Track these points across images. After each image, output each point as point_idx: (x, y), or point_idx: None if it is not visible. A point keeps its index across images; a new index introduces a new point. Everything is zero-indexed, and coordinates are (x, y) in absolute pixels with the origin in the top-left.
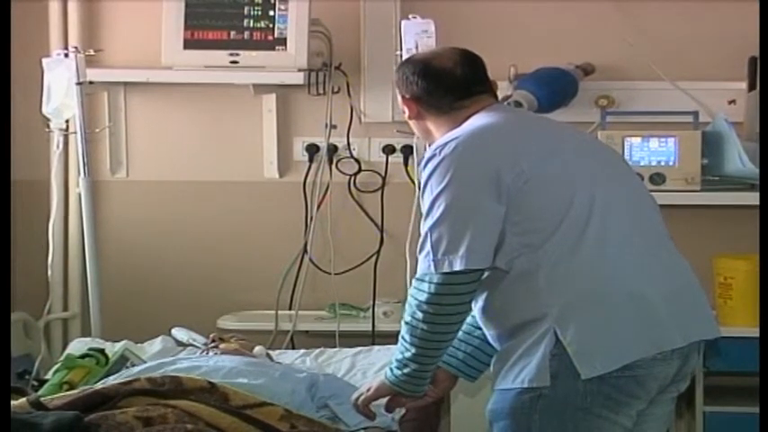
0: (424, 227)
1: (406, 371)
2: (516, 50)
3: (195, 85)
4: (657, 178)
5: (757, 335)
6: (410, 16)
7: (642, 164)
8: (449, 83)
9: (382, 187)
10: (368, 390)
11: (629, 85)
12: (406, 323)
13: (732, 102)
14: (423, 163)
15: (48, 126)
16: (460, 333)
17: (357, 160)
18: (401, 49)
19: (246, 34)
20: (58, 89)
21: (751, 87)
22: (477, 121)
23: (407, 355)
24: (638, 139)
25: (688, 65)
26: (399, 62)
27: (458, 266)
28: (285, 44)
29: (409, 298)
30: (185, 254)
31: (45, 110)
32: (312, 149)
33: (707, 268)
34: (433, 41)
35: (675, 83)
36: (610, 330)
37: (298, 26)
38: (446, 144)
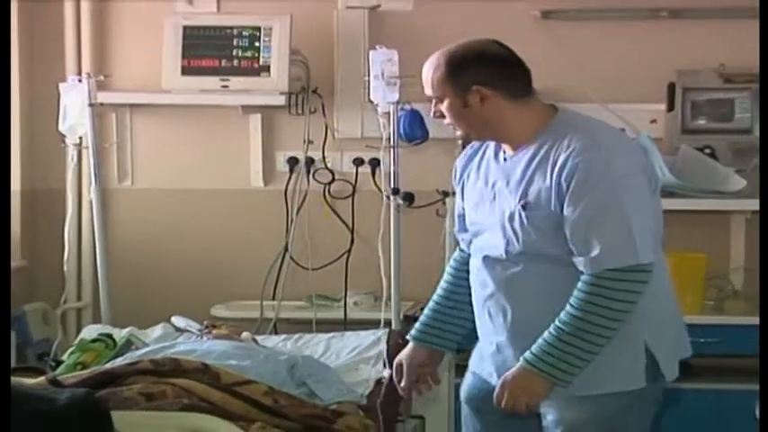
0: (605, 214)
1: (581, 365)
2: None
3: (191, 106)
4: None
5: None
6: (377, 47)
7: None
8: (515, 67)
9: (353, 194)
10: (527, 396)
11: (569, 106)
12: (581, 319)
13: (653, 121)
14: (581, 151)
15: (64, 142)
16: (438, 309)
17: (331, 171)
18: (369, 75)
19: (235, 62)
20: (72, 110)
21: (669, 109)
22: (599, 124)
23: (594, 350)
24: None
25: (616, 90)
26: (447, 55)
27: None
28: (269, 71)
29: (588, 296)
30: (182, 251)
31: (61, 128)
32: (292, 162)
33: None
34: (397, 69)
35: (606, 105)
36: (676, 336)
37: (280, 55)
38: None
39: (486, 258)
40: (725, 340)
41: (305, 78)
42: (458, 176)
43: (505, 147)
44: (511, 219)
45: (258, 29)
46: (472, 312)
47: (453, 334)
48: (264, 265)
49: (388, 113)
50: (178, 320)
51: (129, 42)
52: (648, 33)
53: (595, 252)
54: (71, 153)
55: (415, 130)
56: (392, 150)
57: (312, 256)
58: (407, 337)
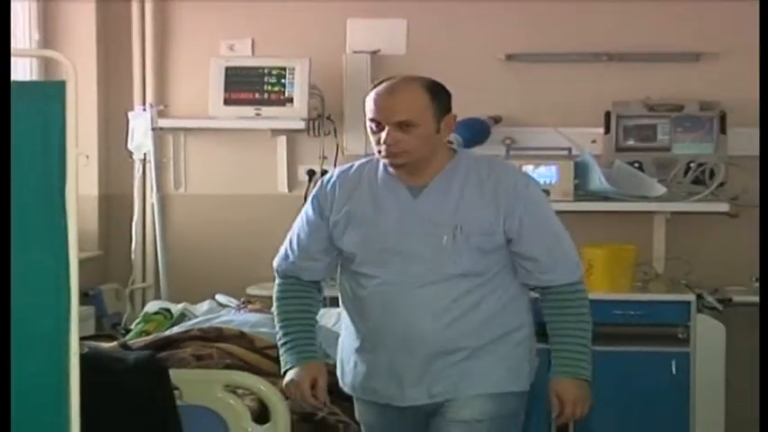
0: (556, 233)
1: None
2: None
3: (231, 129)
4: (545, 193)
5: (609, 298)
6: None
7: (542, 182)
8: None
9: None
10: (579, 405)
11: (524, 130)
12: (589, 322)
13: (594, 141)
14: (527, 183)
15: (131, 157)
16: (301, 324)
17: None
18: None
19: (266, 95)
20: (138, 132)
21: (606, 132)
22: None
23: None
24: (531, 167)
25: (565, 117)
26: (427, 85)
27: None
28: (292, 102)
29: (577, 302)
30: (225, 242)
31: (130, 146)
32: (310, 173)
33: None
34: None
35: (557, 129)
36: None
37: (301, 90)
38: (528, 176)
39: (400, 282)
40: (648, 313)
41: (320, 108)
42: (332, 206)
43: (411, 177)
44: (446, 243)
45: (284, 69)
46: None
47: (317, 349)
48: None
49: None
50: (221, 297)
51: (183, 78)
52: (590, 73)
53: (570, 264)
54: (137, 166)
55: None
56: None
57: None
58: (290, 364)
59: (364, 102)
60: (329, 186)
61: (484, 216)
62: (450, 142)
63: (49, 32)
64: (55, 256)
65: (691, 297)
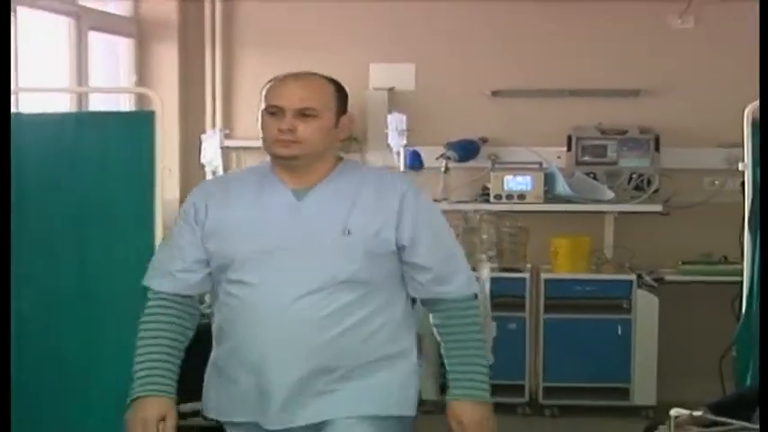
0: (452, 244)
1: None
2: (449, 128)
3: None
4: (520, 197)
5: (570, 278)
6: (392, 112)
7: (514, 189)
8: None
9: None
10: (482, 427)
11: (506, 149)
12: (481, 339)
13: (559, 157)
14: (417, 191)
15: (203, 169)
16: (160, 352)
17: None
18: (388, 129)
19: None
20: (210, 150)
21: (568, 150)
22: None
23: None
24: (511, 176)
25: (537, 138)
26: (331, 79)
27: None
28: None
29: (473, 317)
30: None
31: (202, 161)
32: None
33: (547, 244)
34: (404, 126)
35: (530, 148)
36: None
37: None
38: (406, 178)
39: (277, 289)
40: (600, 289)
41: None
42: (207, 211)
43: (296, 178)
44: (331, 245)
45: None
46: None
47: (174, 381)
48: None
49: (399, 153)
50: None
51: (244, 108)
52: (556, 105)
53: (465, 277)
54: (208, 177)
55: (415, 162)
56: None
57: None
58: (138, 393)
59: (265, 95)
60: (203, 191)
61: (374, 221)
62: (448, 157)
63: (143, 73)
64: (146, 248)
65: (632, 277)
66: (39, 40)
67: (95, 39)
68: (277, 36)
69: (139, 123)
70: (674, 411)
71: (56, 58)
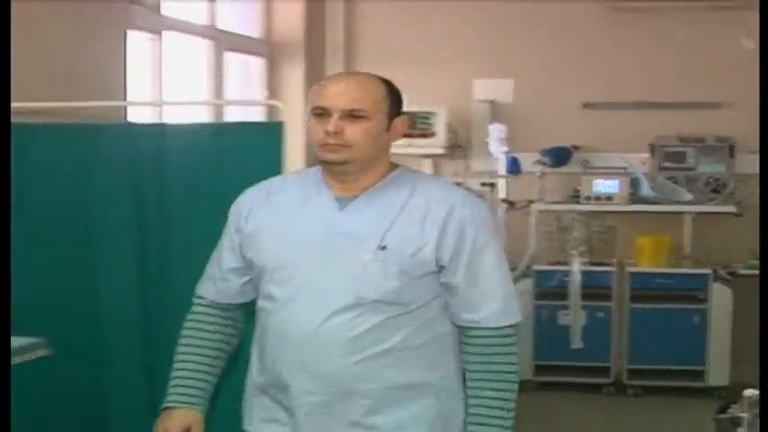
0: (493, 268)
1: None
2: (544, 136)
3: (393, 154)
4: (608, 199)
5: (653, 271)
6: (494, 122)
7: (602, 192)
8: None
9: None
10: None
11: (595, 155)
12: (513, 380)
13: (643, 163)
14: (458, 197)
15: None
16: (196, 362)
17: (469, 189)
18: (489, 138)
19: (416, 132)
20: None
21: (651, 156)
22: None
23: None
24: (600, 180)
25: (622, 145)
26: (383, 79)
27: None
28: (436, 135)
29: (508, 354)
30: None
31: None
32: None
33: (632, 241)
34: (504, 134)
35: (620, 154)
36: None
37: (442, 127)
38: (475, 200)
39: (306, 306)
40: (679, 282)
41: (455, 139)
42: (247, 217)
43: (344, 186)
44: (367, 262)
45: (431, 113)
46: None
47: (207, 392)
48: None
49: (499, 159)
50: None
51: None
52: (641, 115)
53: (499, 305)
54: None
55: (513, 167)
56: (502, 179)
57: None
58: (166, 403)
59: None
60: (246, 196)
61: (415, 237)
62: (543, 163)
63: (272, 87)
64: None
65: (708, 271)
66: (182, 59)
67: (231, 58)
68: (391, 53)
69: (270, 133)
70: (747, 392)
71: (197, 76)
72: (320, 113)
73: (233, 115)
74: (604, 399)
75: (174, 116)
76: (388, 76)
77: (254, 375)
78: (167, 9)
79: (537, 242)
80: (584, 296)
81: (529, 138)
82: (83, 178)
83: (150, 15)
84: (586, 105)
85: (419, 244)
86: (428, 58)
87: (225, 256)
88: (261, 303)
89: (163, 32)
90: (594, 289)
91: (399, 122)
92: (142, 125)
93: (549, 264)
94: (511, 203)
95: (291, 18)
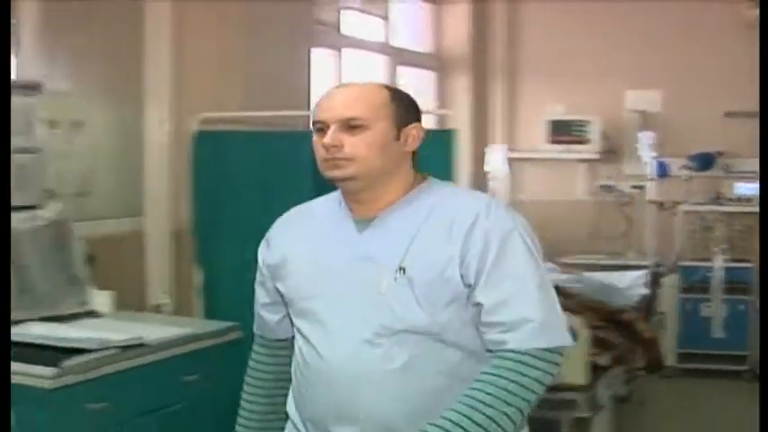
0: (526, 280)
1: None
2: (690, 143)
3: (552, 159)
4: (748, 201)
5: None
6: (643, 130)
7: (743, 194)
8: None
9: (630, 202)
10: None
11: (737, 160)
12: (527, 401)
13: None
14: (484, 204)
15: (486, 176)
16: (251, 402)
17: (620, 191)
18: (639, 144)
19: (574, 137)
20: (493, 161)
21: None
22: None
23: None
24: (741, 183)
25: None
26: (387, 86)
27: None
28: (590, 142)
29: (534, 375)
30: (542, 228)
31: (485, 169)
32: (603, 187)
33: None
34: (653, 141)
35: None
36: None
37: (596, 134)
38: (504, 208)
39: (326, 339)
40: None
41: (608, 145)
42: (274, 248)
43: (362, 207)
44: (386, 288)
45: (586, 121)
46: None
47: (266, 421)
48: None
49: (648, 163)
50: None
51: (524, 127)
52: None
53: (532, 326)
54: (491, 182)
55: (662, 171)
56: (651, 182)
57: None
58: None
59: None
60: (275, 227)
61: (438, 255)
62: (689, 167)
63: (443, 98)
64: None
65: None
66: (360, 73)
67: (405, 72)
68: (550, 67)
69: (444, 139)
70: None
71: None
72: (319, 128)
73: None
74: (743, 384)
75: None
76: (546, 88)
77: (290, 409)
78: (346, 28)
79: (683, 240)
80: (725, 290)
81: (676, 144)
82: (272, 179)
83: (332, 34)
84: (729, 114)
85: (443, 262)
86: (584, 71)
87: (257, 292)
88: (295, 337)
89: (342, 49)
90: (735, 284)
91: (413, 130)
92: None
93: (694, 260)
94: (659, 204)
95: (458, 34)
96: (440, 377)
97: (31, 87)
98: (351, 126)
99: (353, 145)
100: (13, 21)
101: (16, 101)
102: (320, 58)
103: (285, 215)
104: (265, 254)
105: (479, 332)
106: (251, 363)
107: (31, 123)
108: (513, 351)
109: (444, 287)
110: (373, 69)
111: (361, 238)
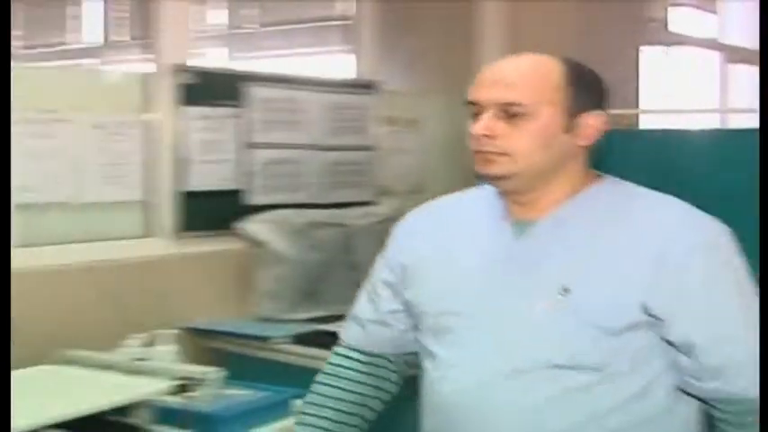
0: (741, 317)
1: None
2: None
3: None
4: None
5: None
6: None
7: None
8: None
9: None
10: None
11: None
12: None
13: None
14: (678, 218)
15: None
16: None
17: None
18: None
19: None
20: None
21: None
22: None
23: None
24: None
25: None
26: (567, 61)
27: None
28: None
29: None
30: None
31: None
32: None
33: None
34: None
35: None
36: None
37: None
38: (708, 219)
39: (466, 368)
40: None
41: None
42: (406, 248)
43: (522, 208)
44: (541, 312)
45: None
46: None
47: None
48: None
49: None
50: None
51: None
52: None
53: (753, 372)
54: None
55: None
56: None
57: None
58: None
59: None
60: (408, 221)
61: (614, 275)
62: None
63: None
64: None
65: None
66: (689, 71)
67: (737, 69)
68: None
69: None
70: None
71: (703, 85)
72: (476, 112)
73: (738, 122)
74: None
75: (685, 123)
76: None
77: None
78: (674, 25)
79: None
80: None
81: None
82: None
83: (660, 31)
84: None
85: (619, 284)
86: None
87: (383, 295)
88: (422, 361)
89: (672, 47)
90: None
91: (592, 120)
92: (652, 131)
93: None
94: None
95: None
96: (594, 419)
97: (369, 87)
98: (508, 112)
99: (511, 137)
100: (351, 21)
101: (354, 99)
102: (649, 56)
103: (423, 207)
104: (401, 254)
105: (679, 374)
106: (331, 371)
107: (367, 122)
108: (737, 402)
109: (618, 314)
110: (703, 67)
111: (519, 245)
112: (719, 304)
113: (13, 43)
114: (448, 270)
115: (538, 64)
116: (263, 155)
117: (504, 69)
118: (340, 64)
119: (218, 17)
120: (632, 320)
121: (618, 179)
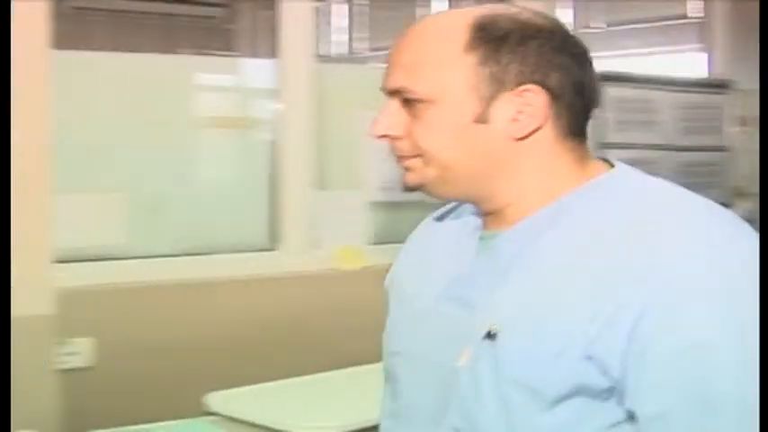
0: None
1: None
2: None
3: None
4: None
5: None
6: None
7: None
8: (585, 74)
9: None
10: None
11: None
12: None
13: None
14: (671, 242)
15: None
16: None
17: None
18: None
19: None
20: None
21: None
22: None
23: None
24: None
25: None
26: (475, 17)
27: None
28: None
29: None
30: None
31: None
32: None
33: None
34: None
35: None
36: None
37: None
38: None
39: (401, 422)
40: None
41: None
42: (393, 272)
43: (487, 218)
44: (463, 368)
45: None
46: None
47: None
48: None
49: None
50: None
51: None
52: None
53: None
54: None
55: None
56: None
57: None
58: None
59: None
60: (409, 239)
61: (558, 320)
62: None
63: None
64: None
65: None
66: None
67: None
68: None
69: None
70: None
71: None
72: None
73: None
74: None
75: None
76: None
77: None
78: None
79: None
80: None
81: None
82: None
83: None
84: None
85: (568, 330)
86: None
87: (389, 324)
88: None
89: None
90: None
91: (523, 96)
92: None
93: None
94: None
95: None
96: None
97: (722, 86)
98: (410, 102)
99: (417, 132)
100: (702, 20)
101: (707, 99)
102: None
103: (416, 229)
104: (391, 278)
105: None
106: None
107: (720, 122)
108: None
109: (561, 376)
110: None
111: (470, 268)
112: (714, 367)
113: (359, 45)
114: (411, 299)
115: (438, 28)
116: (618, 155)
117: (402, 43)
118: (683, 63)
119: (564, 16)
120: (579, 384)
121: (638, 172)
